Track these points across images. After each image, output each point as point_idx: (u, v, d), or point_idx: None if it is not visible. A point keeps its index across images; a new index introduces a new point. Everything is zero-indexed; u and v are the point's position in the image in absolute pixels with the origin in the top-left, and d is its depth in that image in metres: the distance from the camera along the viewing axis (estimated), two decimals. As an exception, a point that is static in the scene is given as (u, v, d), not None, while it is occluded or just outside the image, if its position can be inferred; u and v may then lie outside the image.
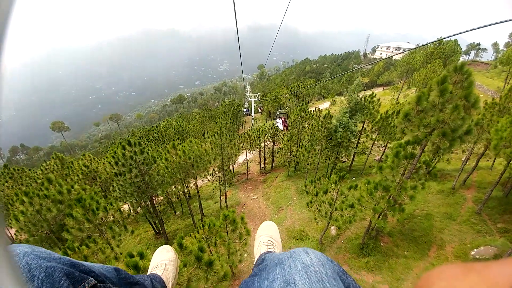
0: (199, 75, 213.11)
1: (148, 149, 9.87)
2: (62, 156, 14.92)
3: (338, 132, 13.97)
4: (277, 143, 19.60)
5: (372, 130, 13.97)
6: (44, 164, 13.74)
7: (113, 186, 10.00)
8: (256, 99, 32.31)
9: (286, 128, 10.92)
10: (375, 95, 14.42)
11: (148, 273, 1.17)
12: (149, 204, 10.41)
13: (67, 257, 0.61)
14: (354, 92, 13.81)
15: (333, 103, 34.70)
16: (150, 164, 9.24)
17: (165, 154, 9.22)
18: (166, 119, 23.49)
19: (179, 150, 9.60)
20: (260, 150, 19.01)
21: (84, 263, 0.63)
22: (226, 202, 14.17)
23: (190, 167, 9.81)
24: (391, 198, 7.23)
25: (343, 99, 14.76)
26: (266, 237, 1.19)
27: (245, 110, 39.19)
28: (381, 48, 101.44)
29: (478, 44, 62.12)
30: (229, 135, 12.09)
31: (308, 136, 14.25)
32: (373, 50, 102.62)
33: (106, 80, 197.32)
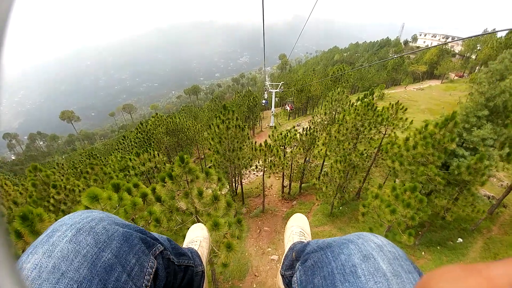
0: (219, 67, 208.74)
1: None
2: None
3: (460, 157, 6.53)
4: (312, 159, 12.46)
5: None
6: None
7: None
8: (278, 90, 25.09)
9: None
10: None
11: (184, 246, 1.13)
12: None
13: (136, 225, 0.61)
14: (505, 75, 6.17)
15: (380, 98, 26.18)
16: None
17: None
18: (156, 114, 17.42)
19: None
20: (284, 169, 12.00)
21: (149, 232, 0.64)
22: None
23: None
24: None
25: (473, 90, 7.11)
26: (297, 228, 1.10)
27: (263, 101, 31.86)
28: (425, 35, 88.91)
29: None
30: (227, 165, 5.11)
31: (391, 162, 6.97)
32: (413, 39, 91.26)
33: (131, 72, 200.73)
